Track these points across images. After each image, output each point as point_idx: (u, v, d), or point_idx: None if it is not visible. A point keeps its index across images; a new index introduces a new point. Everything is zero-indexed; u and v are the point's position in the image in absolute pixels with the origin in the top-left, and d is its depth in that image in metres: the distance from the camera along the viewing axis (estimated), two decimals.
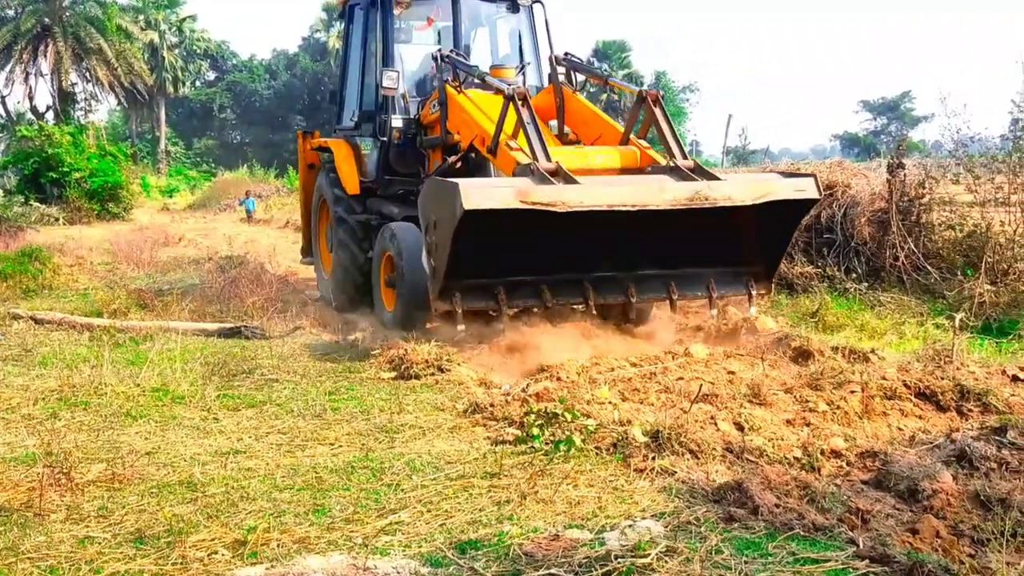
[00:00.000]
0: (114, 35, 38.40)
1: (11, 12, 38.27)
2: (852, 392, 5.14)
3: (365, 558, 3.18)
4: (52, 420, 5.00)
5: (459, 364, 6.06)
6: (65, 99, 37.46)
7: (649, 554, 3.04)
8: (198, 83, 58.77)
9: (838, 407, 4.99)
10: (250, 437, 4.71)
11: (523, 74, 8.01)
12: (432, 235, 5.83)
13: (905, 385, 5.24)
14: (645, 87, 6.71)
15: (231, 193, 28.49)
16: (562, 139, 7.29)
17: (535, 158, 5.89)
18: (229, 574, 3.08)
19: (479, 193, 5.39)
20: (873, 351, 6.24)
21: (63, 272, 11.73)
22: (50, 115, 37.34)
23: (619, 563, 2.99)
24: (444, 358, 6.04)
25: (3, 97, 39.92)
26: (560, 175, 5.76)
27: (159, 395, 5.48)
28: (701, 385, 5.19)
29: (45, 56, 37.02)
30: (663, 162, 6.29)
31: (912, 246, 8.65)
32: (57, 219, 22.00)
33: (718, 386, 5.39)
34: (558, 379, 5.51)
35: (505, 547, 3.24)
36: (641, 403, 5.18)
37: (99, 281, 11.24)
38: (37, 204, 23.04)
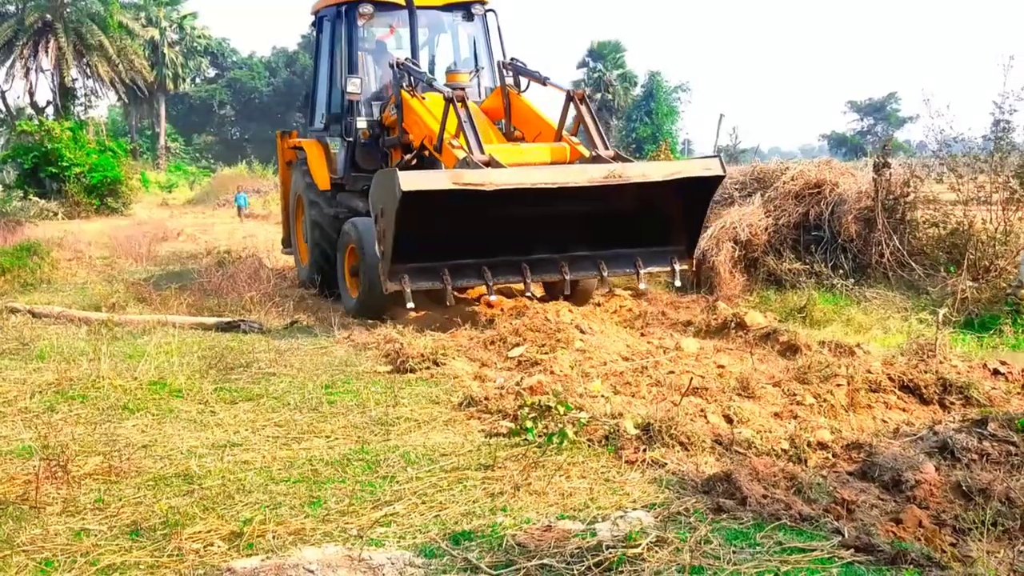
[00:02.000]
0: (115, 31, 38.10)
1: (13, 8, 37.94)
2: (838, 385, 5.16)
3: (360, 549, 3.17)
4: (49, 413, 4.96)
5: (454, 358, 6.06)
6: (65, 95, 37.14)
7: (640, 544, 3.04)
8: (198, 80, 58.42)
9: (824, 400, 5.01)
10: (247, 430, 4.68)
11: (478, 77, 8.64)
12: (380, 222, 6.32)
13: (889, 379, 5.27)
14: (575, 88, 7.43)
15: (230, 189, 28.33)
16: (509, 136, 7.81)
17: (471, 152, 6.49)
18: (225, 566, 3.06)
19: (416, 178, 6.09)
20: (859, 345, 6.26)
21: (61, 266, 11.64)
22: (50, 110, 37.01)
23: (610, 553, 2.99)
24: (439, 352, 6.05)
25: (3, 92, 39.60)
26: (492, 165, 6.38)
27: (156, 388, 5.44)
28: (691, 379, 5.20)
29: (46, 52, 36.68)
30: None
31: (897, 243, 8.69)
32: (56, 214, 21.79)
33: (708, 380, 5.40)
34: (552, 373, 5.51)
35: (498, 538, 3.24)
36: (633, 396, 5.18)
37: (97, 275, 11.14)
38: (36, 199, 22.80)
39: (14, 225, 16.91)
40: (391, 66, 8.02)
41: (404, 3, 8.36)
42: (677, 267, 7.17)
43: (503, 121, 7.99)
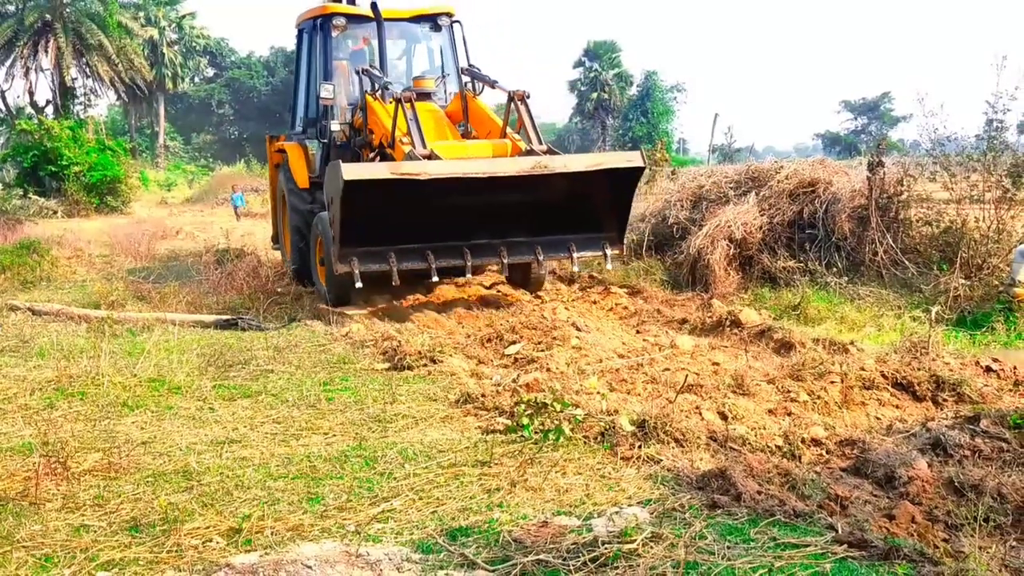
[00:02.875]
0: (115, 31, 37.96)
1: (12, 7, 37.77)
2: (832, 382, 5.16)
3: (358, 545, 3.17)
4: (49, 410, 4.95)
5: (451, 355, 6.06)
6: (65, 94, 36.99)
7: (635, 540, 3.04)
8: (197, 79, 58.24)
9: (818, 397, 5.01)
10: (245, 427, 4.68)
11: (444, 83, 9.31)
12: (331, 210, 7.03)
13: (883, 376, 5.27)
14: (516, 90, 7.98)
15: (228, 188, 28.28)
16: (467, 135, 8.44)
17: (415, 147, 7.15)
18: (224, 561, 3.05)
19: (358, 168, 6.74)
20: (852, 343, 6.26)
21: (61, 264, 11.60)
22: (50, 109, 36.88)
23: (606, 548, 2.99)
24: (436, 349, 6.04)
25: (3, 91, 39.41)
26: (433, 158, 7.04)
27: (156, 385, 5.43)
28: (686, 376, 5.20)
29: (46, 51, 36.53)
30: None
31: (890, 241, 8.68)
32: (55, 212, 21.72)
33: (703, 377, 5.41)
34: (548, 370, 5.50)
35: (495, 533, 3.24)
36: (628, 393, 5.19)
37: (97, 273, 11.12)
38: (36, 197, 22.73)
39: (14, 223, 16.83)
40: (357, 73, 8.71)
41: (373, 16, 8.93)
42: (608, 252, 7.78)
43: (464, 122, 8.57)
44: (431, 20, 9.50)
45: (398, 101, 7.48)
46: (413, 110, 7.45)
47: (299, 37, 10.14)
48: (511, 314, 7.36)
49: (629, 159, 7.42)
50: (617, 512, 3.42)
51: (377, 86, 8.31)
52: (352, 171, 6.61)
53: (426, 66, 9.67)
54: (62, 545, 3.21)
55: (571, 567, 2.92)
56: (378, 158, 7.96)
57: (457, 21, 9.50)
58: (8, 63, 37.20)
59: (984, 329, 7.19)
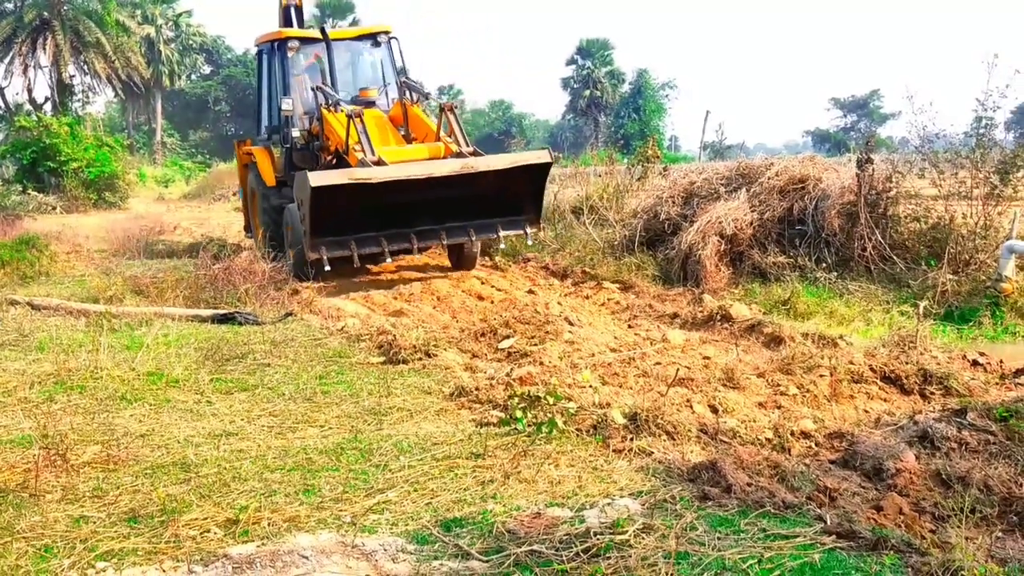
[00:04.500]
0: (112, 29, 37.72)
1: (11, 5, 37.51)
2: (821, 376, 5.17)
3: (354, 536, 3.17)
4: (48, 403, 4.94)
5: (445, 350, 6.05)
6: (63, 91, 36.79)
7: (627, 531, 3.05)
8: (194, 76, 57.91)
9: (808, 390, 5.02)
10: (242, 420, 4.67)
11: (385, 93, 10.72)
12: (301, 210, 8.55)
13: (871, 369, 5.29)
14: (446, 100, 10.11)
15: (225, 184, 28.17)
16: (407, 138, 9.88)
17: (366, 155, 8.58)
18: (222, 552, 3.05)
19: (322, 176, 8.21)
20: (841, 337, 6.28)
21: (60, 259, 11.55)
22: (48, 106, 36.72)
23: (598, 539, 3.00)
24: (431, 344, 6.04)
25: (2, 88, 39.16)
26: (380, 164, 8.47)
27: (154, 379, 5.41)
28: (678, 370, 5.21)
29: (44, 49, 36.30)
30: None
31: (879, 237, 8.67)
32: (54, 208, 21.62)
33: (694, 371, 5.42)
34: (541, 364, 5.50)
35: (489, 525, 3.24)
36: (620, 387, 5.19)
37: (95, 268, 11.06)
38: (35, 193, 22.65)
39: (13, 219, 16.70)
40: (313, 90, 10.15)
41: (322, 38, 10.53)
42: (528, 231, 9.47)
43: (404, 125, 10.04)
44: (371, 38, 11.00)
45: (350, 117, 8.92)
46: (362, 124, 8.92)
47: (259, 56, 11.70)
48: (504, 309, 7.37)
49: (539, 156, 9.11)
50: (609, 504, 3.42)
51: (330, 102, 9.72)
52: (317, 179, 8.05)
53: (368, 77, 11.06)
54: (62, 536, 3.21)
55: (564, 558, 2.92)
56: (335, 161, 9.47)
57: (394, 38, 10.92)
58: (7, 60, 36.95)
59: (971, 324, 7.22)
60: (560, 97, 60.93)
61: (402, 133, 9.93)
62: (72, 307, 7.91)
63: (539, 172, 9.10)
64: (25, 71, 36.95)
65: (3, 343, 6.54)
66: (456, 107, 9.69)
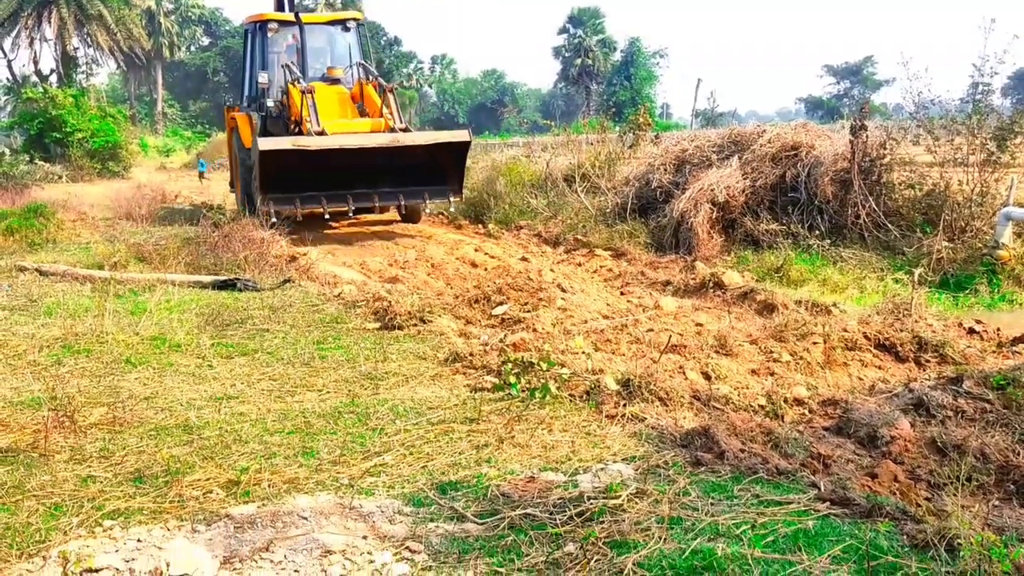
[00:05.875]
0: (113, 2, 37.26)
1: None
2: (815, 343, 5.11)
3: (351, 498, 3.15)
4: (56, 366, 4.95)
5: (440, 316, 6.01)
6: (68, 63, 36.42)
7: (620, 496, 3.01)
8: (193, 48, 57.21)
9: (801, 358, 4.96)
10: (243, 383, 4.65)
11: (351, 71, 12.14)
12: (254, 170, 10.09)
13: (865, 337, 5.22)
14: (392, 83, 11.42)
15: (224, 153, 28.07)
16: (363, 114, 11.34)
17: (313, 125, 10.08)
18: (224, 512, 3.04)
19: (270, 142, 9.80)
20: (835, 304, 6.22)
21: (66, 227, 11.60)
22: (54, 78, 36.43)
23: (591, 504, 2.96)
24: (426, 310, 6.00)
25: (10, 61, 38.75)
26: (323, 135, 9.90)
27: (157, 343, 5.40)
28: (670, 336, 5.15)
29: (49, 22, 35.88)
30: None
31: (873, 204, 8.53)
32: (60, 177, 21.63)
33: (686, 337, 5.36)
34: (534, 330, 5.45)
35: (483, 488, 3.21)
36: (613, 353, 5.14)
37: (100, 235, 11.05)
38: (41, 163, 22.69)
39: (21, 188, 16.76)
40: (282, 67, 11.63)
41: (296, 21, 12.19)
42: (452, 199, 10.83)
43: (360, 103, 11.50)
44: (342, 23, 12.58)
45: (303, 93, 10.39)
46: (312, 99, 10.34)
47: (245, 34, 13.26)
48: (498, 276, 7.31)
49: (459, 135, 10.56)
50: (602, 468, 3.39)
51: (293, 78, 11.14)
52: (265, 144, 9.61)
53: (342, 56, 12.51)
54: (70, 495, 3.21)
55: (557, 521, 2.89)
56: (296, 130, 10.86)
57: (361, 24, 12.74)
58: (14, 34, 36.56)
59: (967, 291, 7.11)
60: (552, 66, 60.33)
61: (359, 108, 11.44)
62: (78, 273, 7.91)
63: (460, 149, 10.46)
64: (31, 44, 36.64)
65: (13, 308, 6.53)
66: (395, 88, 11.20)
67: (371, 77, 11.61)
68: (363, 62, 12.01)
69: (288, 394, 4.46)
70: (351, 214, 10.58)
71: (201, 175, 23.60)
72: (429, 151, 10.23)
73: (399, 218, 12.18)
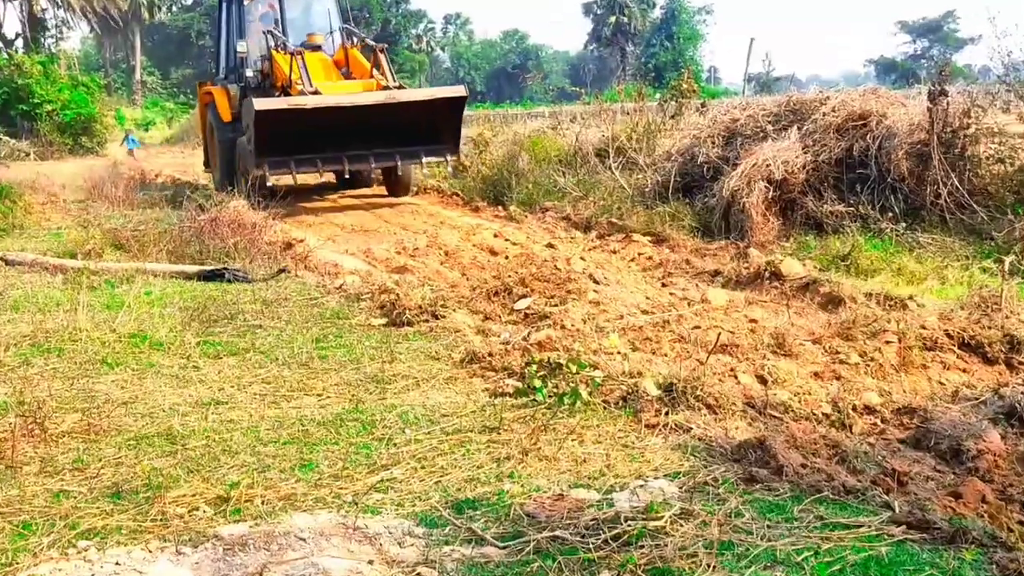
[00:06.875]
0: None
1: None
2: (888, 342, 5.06)
3: (355, 517, 3.17)
4: (24, 367, 5.02)
5: (455, 310, 6.05)
6: (35, 26, 37.01)
7: (662, 516, 3.00)
8: (174, 8, 57.85)
9: (872, 359, 4.93)
10: (232, 387, 4.70)
11: (332, 37, 13.12)
12: (247, 132, 11.03)
13: (947, 335, 5.17)
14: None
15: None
16: (348, 77, 12.29)
17: (305, 87, 11.00)
18: (212, 532, 3.07)
19: (265, 102, 10.75)
20: (911, 298, 6.16)
21: (35, 210, 11.88)
22: (19, 43, 36.99)
23: (629, 526, 2.96)
24: (439, 304, 6.05)
25: None
26: (317, 94, 10.88)
27: (136, 341, 5.47)
28: (719, 334, 5.13)
29: None
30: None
31: (956, 182, 8.42)
32: (28, 154, 22.08)
33: (738, 336, 5.35)
34: (562, 327, 5.47)
35: (505, 507, 3.22)
36: (653, 353, 5.14)
37: (72, 220, 11.27)
38: (6, 138, 23.14)
39: None
40: (264, 33, 12.50)
41: None
42: (448, 158, 11.94)
43: (345, 67, 12.46)
44: None
45: (292, 55, 11.36)
46: (303, 61, 11.29)
47: (219, 5, 14.05)
48: (520, 265, 7.34)
49: (455, 91, 11.76)
50: (641, 486, 3.39)
51: (278, 43, 12.08)
52: (260, 104, 10.52)
53: (321, 23, 13.44)
54: (41, 512, 3.25)
55: (590, 545, 2.88)
56: (281, 95, 11.63)
57: None
58: None
59: None
60: (582, 25, 60.78)
61: (343, 73, 12.38)
62: (48, 263, 8.04)
63: (455, 105, 11.51)
64: None
65: None
66: (385, 48, 12.24)
67: (356, 40, 12.68)
68: (349, 25, 13.18)
69: (284, 399, 4.50)
70: (346, 174, 12.00)
71: (131, 152, 24.11)
72: (425, 108, 11.28)
73: (385, 192, 13.07)
